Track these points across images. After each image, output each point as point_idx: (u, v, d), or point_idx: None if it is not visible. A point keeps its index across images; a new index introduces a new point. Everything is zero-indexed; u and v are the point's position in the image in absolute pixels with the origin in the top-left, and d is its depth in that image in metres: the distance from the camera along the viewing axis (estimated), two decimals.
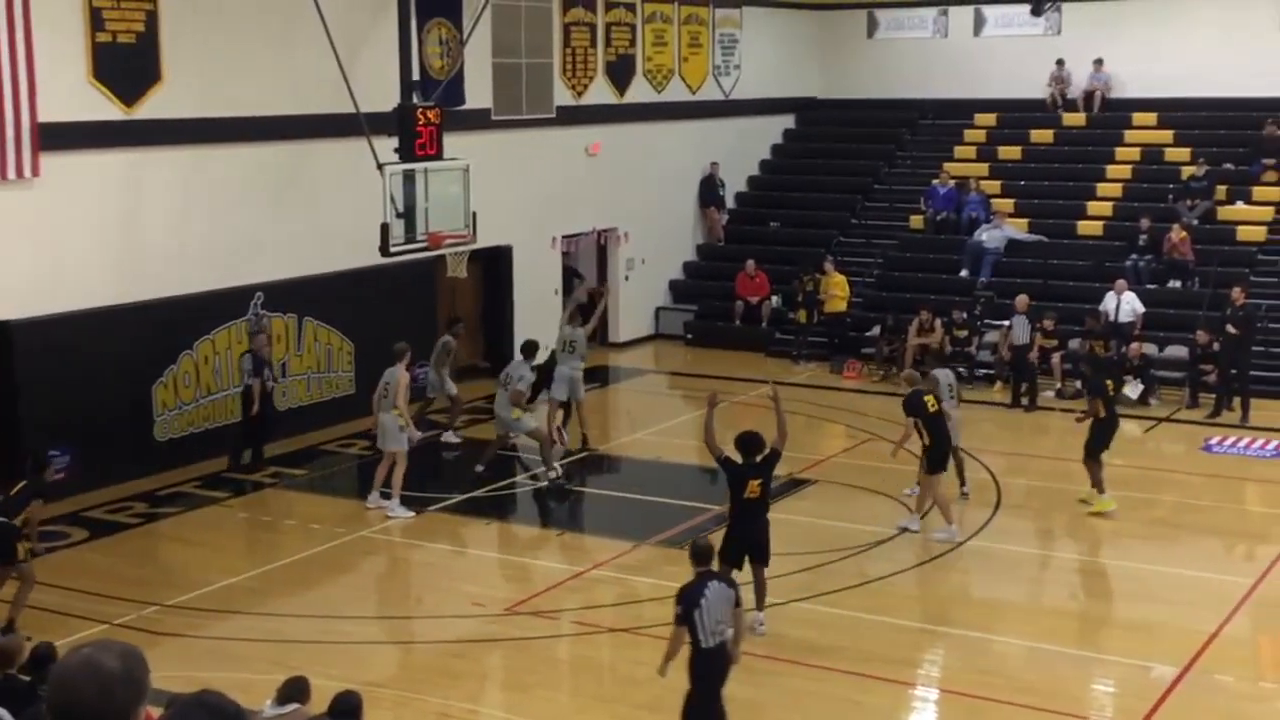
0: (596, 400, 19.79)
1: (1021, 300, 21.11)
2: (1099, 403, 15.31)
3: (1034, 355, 20.75)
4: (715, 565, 9.99)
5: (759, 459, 11.87)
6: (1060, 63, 27.22)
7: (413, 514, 15.53)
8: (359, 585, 14.10)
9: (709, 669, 9.19)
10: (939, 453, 14.66)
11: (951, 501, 15.11)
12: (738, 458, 11.88)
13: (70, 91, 15.87)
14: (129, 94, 16.57)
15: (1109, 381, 15.70)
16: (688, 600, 9.14)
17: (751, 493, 11.78)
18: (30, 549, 12.37)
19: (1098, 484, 15.37)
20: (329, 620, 12.49)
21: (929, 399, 14.77)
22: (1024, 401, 20.48)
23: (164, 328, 17.08)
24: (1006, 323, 21.91)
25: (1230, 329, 19.84)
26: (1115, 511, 15.24)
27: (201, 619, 12.68)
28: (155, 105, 16.82)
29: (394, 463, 15.59)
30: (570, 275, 24.46)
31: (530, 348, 17.28)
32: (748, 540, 11.86)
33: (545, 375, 18.42)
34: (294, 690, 8.34)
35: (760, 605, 12.00)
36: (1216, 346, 20.06)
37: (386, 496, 15.64)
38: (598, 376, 22.24)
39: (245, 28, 17.71)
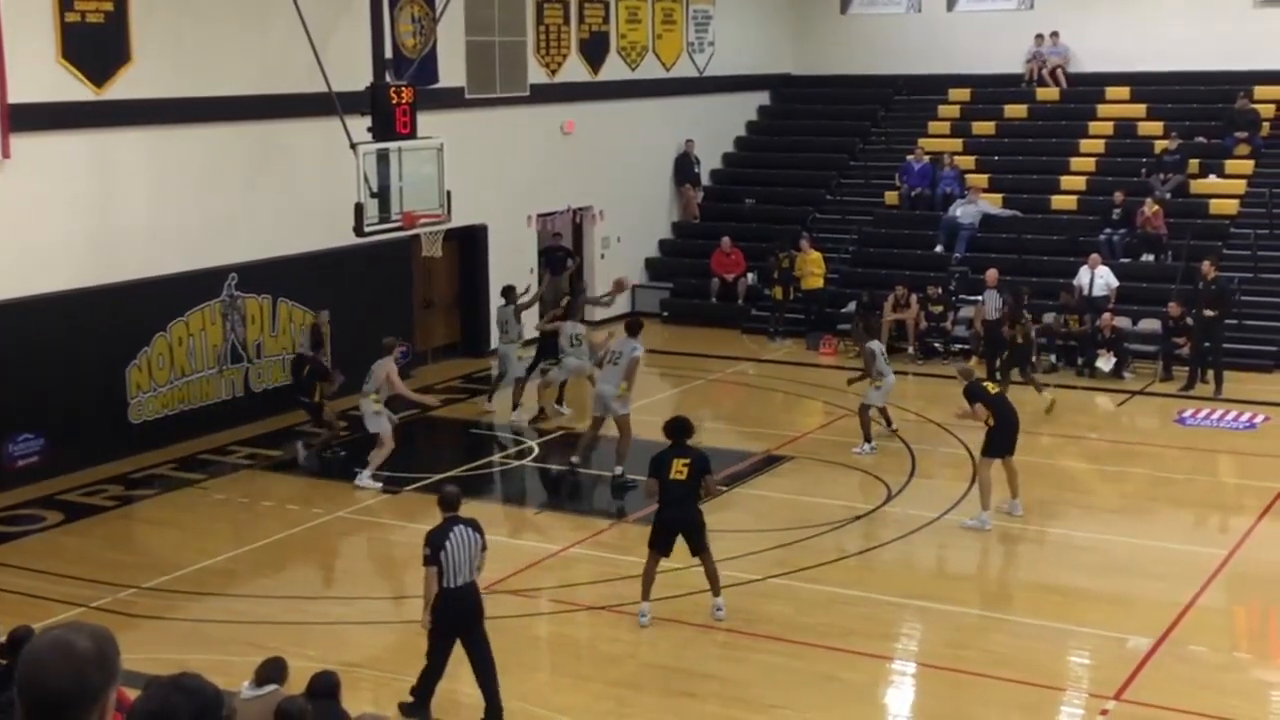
0: (571, 378, 19.74)
1: (992, 274, 21.12)
2: (980, 407, 14.69)
3: (1006, 329, 20.72)
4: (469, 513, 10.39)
5: (688, 442, 11.71)
6: (1039, 38, 27.25)
7: (379, 486, 15.70)
8: (336, 566, 14.09)
9: (453, 607, 9.82)
10: (1001, 437, 14.42)
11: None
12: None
13: (39, 72, 15.73)
14: (99, 74, 16.44)
15: (987, 383, 15.25)
16: (434, 543, 9.80)
17: (678, 474, 11.53)
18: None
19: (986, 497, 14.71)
20: (306, 601, 12.48)
21: (989, 384, 14.74)
22: (997, 375, 20.48)
23: (137, 310, 16.99)
24: (980, 297, 21.97)
25: (1207, 312, 19.90)
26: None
27: (178, 601, 12.65)
28: (125, 85, 16.69)
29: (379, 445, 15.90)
30: (563, 255, 24.37)
31: (636, 326, 16.71)
32: (676, 525, 11.65)
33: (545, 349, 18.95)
34: (271, 671, 8.33)
35: (716, 591, 11.84)
36: (1189, 320, 20.16)
37: (377, 478, 15.86)
38: None
39: (216, 7, 17.58)
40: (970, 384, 14.99)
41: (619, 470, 15.89)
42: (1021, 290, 19.97)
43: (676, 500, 11.60)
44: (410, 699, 10.09)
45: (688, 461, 11.58)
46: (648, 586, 11.77)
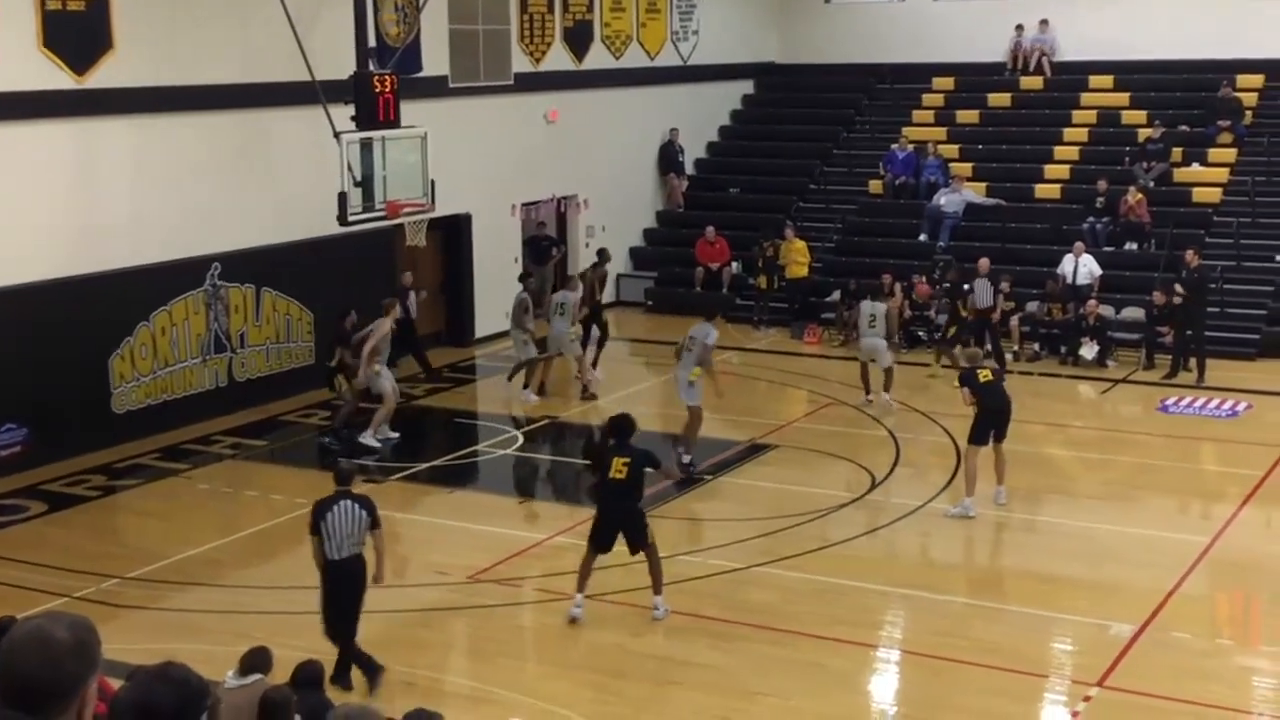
0: (558, 367, 19.77)
1: (983, 263, 21.19)
2: (967, 392, 14.68)
3: (996, 316, 20.82)
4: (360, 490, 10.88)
5: (629, 441, 11.65)
6: (1020, 28, 27.27)
7: (379, 445, 16.65)
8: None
9: (334, 579, 10.27)
10: (984, 424, 14.42)
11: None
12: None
13: (20, 60, 15.65)
14: (80, 62, 16.36)
15: (981, 370, 14.97)
16: (317, 513, 10.29)
17: (617, 472, 11.47)
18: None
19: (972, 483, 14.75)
20: (291, 591, 12.45)
21: (982, 373, 14.72)
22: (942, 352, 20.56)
23: (120, 299, 16.93)
24: (966, 285, 22.00)
25: (1178, 289, 20.00)
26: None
27: (162, 591, 12.63)
28: (107, 74, 16.61)
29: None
30: (548, 244, 24.41)
31: (713, 310, 16.67)
32: (615, 522, 11.56)
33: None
34: (256, 661, 8.32)
35: (656, 589, 11.66)
36: (1175, 306, 20.21)
37: (381, 436, 16.95)
38: None
39: None
40: (965, 371, 14.94)
41: (687, 459, 15.67)
42: (957, 265, 21.09)
43: (616, 498, 11.53)
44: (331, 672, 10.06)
45: (627, 461, 11.48)
46: (583, 580, 11.67)
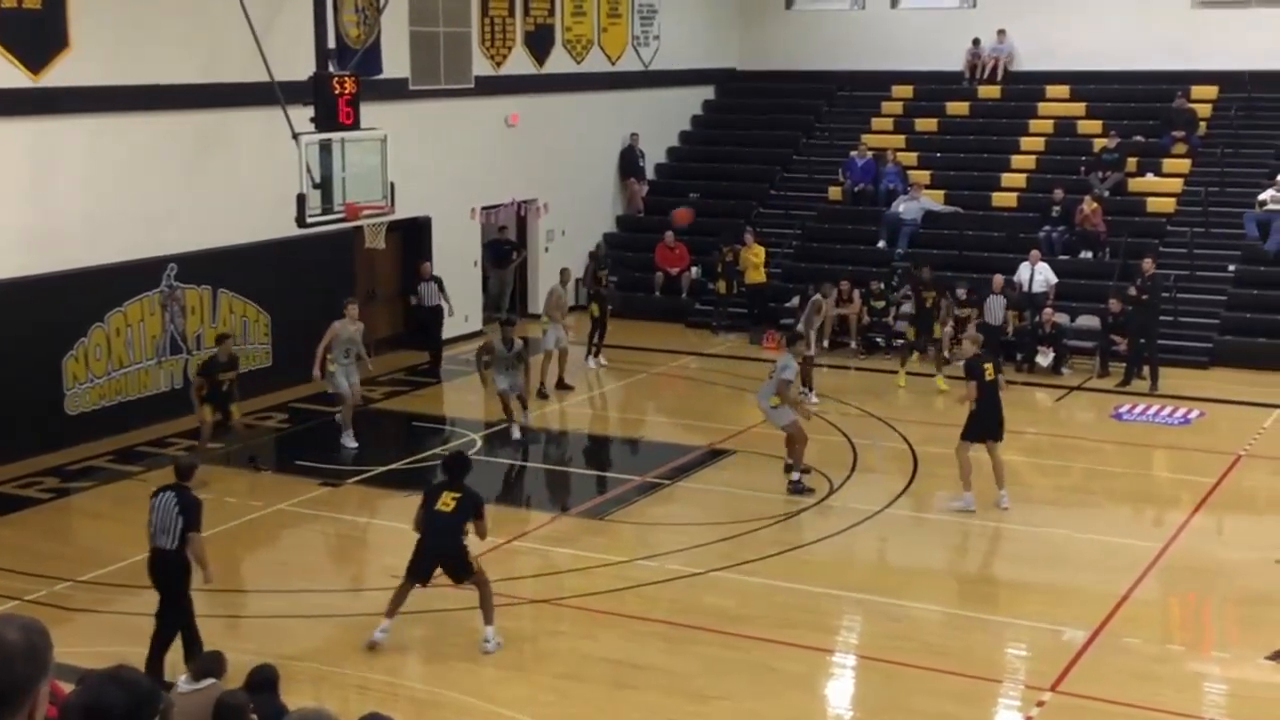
0: (551, 363, 19.76)
1: (997, 280, 21.01)
2: (974, 386, 14.71)
3: (1010, 334, 20.76)
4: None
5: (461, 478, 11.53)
6: (977, 41, 27.48)
7: (355, 446, 16.82)
8: (275, 559, 13.98)
9: (154, 568, 10.61)
10: (979, 421, 14.51)
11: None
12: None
13: None
14: (35, 61, 16.21)
15: (987, 365, 14.99)
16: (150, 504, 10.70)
17: (444, 505, 11.26)
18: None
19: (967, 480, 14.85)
20: (245, 594, 12.39)
21: (988, 367, 14.80)
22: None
23: (74, 300, 16.78)
24: (958, 297, 22.12)
25: (1132, 292, 20.21)
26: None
27: (114, 594, 12.52)
28: (63, 72, 16.47)
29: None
30: (508, 248, 24.40)
31: (794, 338, 16.47)
32: (436, 555, 11.31)
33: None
34: (209, 665, 8.28)
35: (487, 620, 11.33)
36: (1127, 315, 20.39)
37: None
38: None
39: None
40: (971, 359, 14.95)
41: (795, 477, 15.38)
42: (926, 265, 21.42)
43: (439, 531, 11.26)
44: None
45: (457, 496, 11.31)
46: (394, 606, 11.36)
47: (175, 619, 10.53)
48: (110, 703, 3.13)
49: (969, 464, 14.56)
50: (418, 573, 11.36)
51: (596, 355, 21.22)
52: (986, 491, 14.72)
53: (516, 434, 17.44)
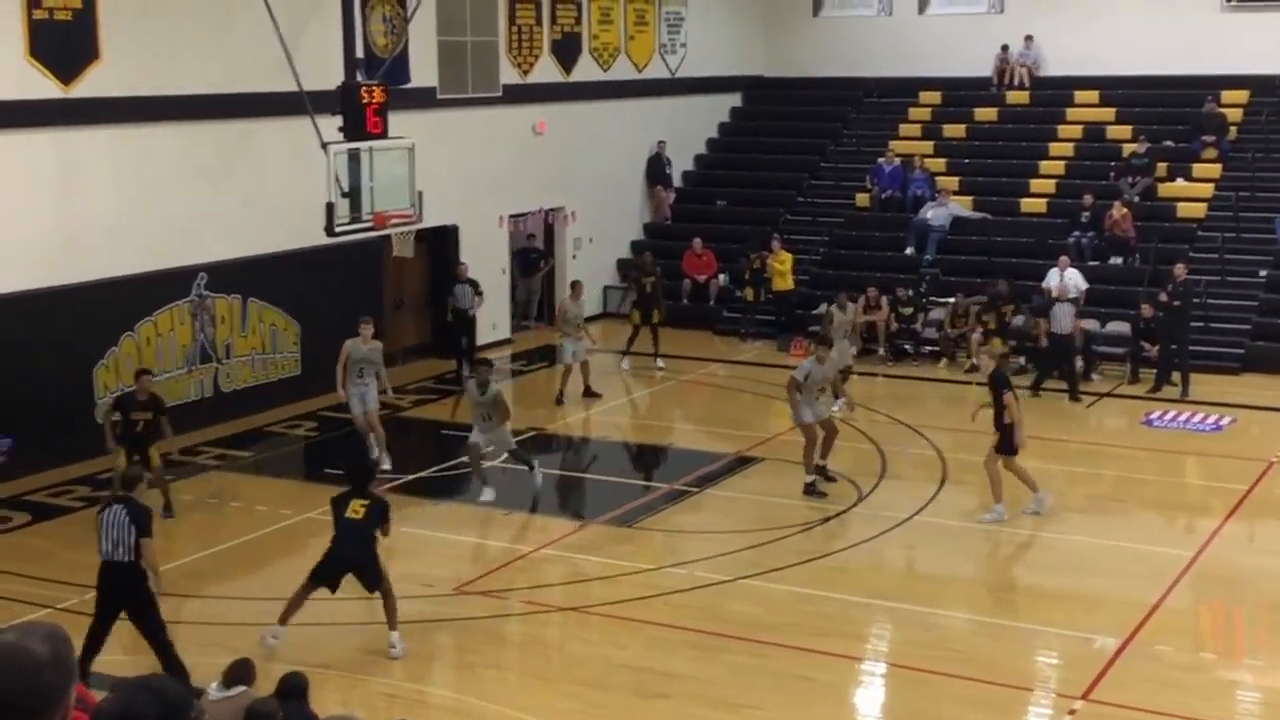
0: (544, 379, 19.80)
1: (1061, 286, 20.84)
2: (1010, 396, 14.53)
3: (1078, 341, 20.37)
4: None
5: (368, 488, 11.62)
6: (1006, 48, 27.39)
7: (388, 468, 16.22)
8: (305, 567, 13.97)
9: (107, 580, 10.60)
10: (1014, 435, 14.32)
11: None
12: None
13: (6, 69, 15.64)
14: (66, 72, 16.34)
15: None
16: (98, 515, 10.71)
17: (354, 512, 11.32)
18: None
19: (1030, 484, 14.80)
20: (275, 602, 12.40)
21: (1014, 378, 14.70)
22: (1069, 390, 19.76)
23: (105, 309, 16.90)
24: (951, 299, 22.10)
25: (1163, 298, 20.08)
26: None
27: None
28: (94, 83, 16.59)
29: None
30: (536, 256, 24.47)
31: (819, 340, 16.54)
32: (345, 562, 11.31)
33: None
34: (240, 673, 8.31)
35: (391, 625, 11.35)
36: (1158, 320, 20.25)
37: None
38: (545, 355, 22.24)
39: (185, 4, 17.50)
40: (998, 371, 14.74)
41: (808, 479, 15.47)
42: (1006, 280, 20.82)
43: (349, 538, 11.29)
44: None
45: (366, 503, 11.37)
46: (291, 612, 11.33)
47: (151, 627, 10.56)
48: (142, 710, 3.14)
49: (999, 473, 14.45)
50: (323, 578, 11.38)
51: (653, 358, 21.42)
52: (1016, 501, 14.65)
53: (487, 495, 15.34)
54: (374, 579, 11.34)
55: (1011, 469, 14.57)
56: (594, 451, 18.48)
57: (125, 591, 10.58)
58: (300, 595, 11.39)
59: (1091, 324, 21.42)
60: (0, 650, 2.88)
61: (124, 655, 10.66)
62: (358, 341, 16.49)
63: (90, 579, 12.82)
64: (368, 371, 16.47)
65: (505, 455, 15.89)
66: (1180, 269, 20.47)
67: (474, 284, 20.94)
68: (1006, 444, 14.44)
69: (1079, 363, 20.54)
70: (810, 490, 15.34)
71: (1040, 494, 14.65)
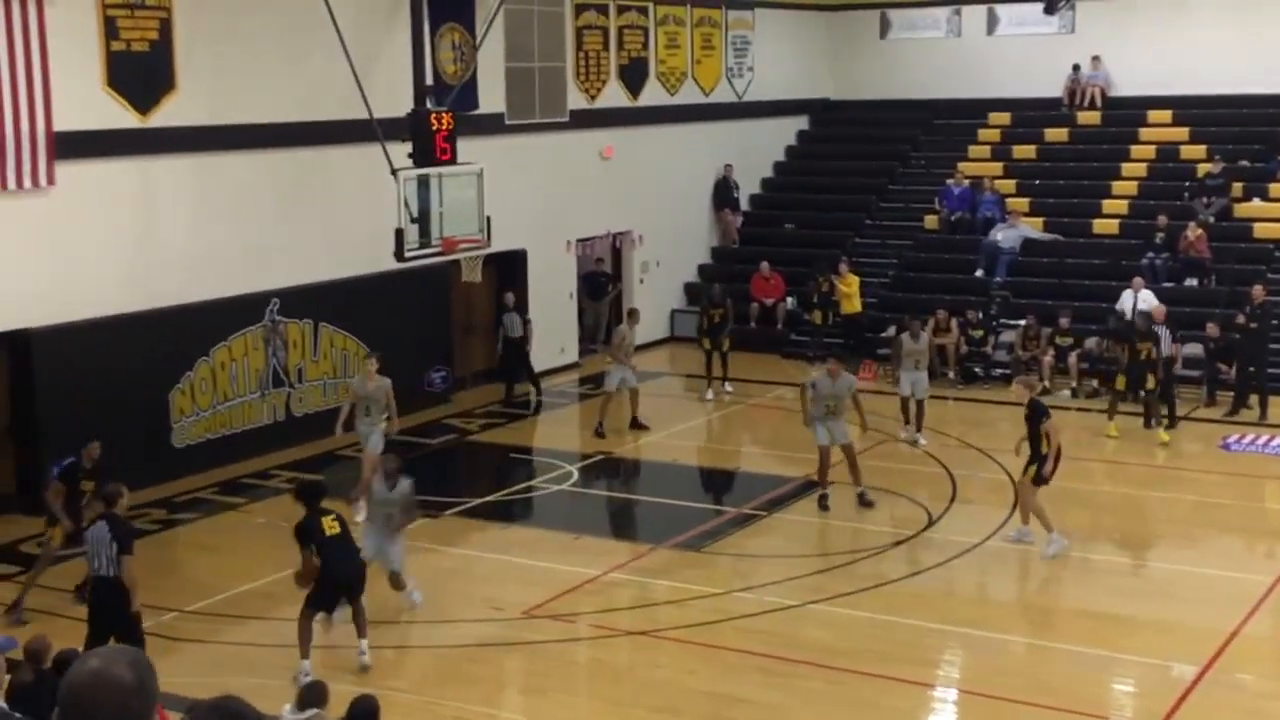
0: (613, 404, 19.78)
1: (1160, 310, 20.23)
2: (1051, 424, 14.29)
3: (1179, 368, 19.66)
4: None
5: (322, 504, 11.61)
6: (1076, 68, 27.17)
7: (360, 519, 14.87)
8: (376, 590, 14.09)
9: (95, 595, 10.98)
10: (1054, 464, 14.14)
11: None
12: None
13: (85, 100, 15.93)
14: (143, 102, 16.63)
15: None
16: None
17: (331, 529, 11.32)
18: (55, 534, 12.98)
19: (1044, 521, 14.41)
20: (347, 625, 12.48)
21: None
22: (1164, 416, 19.08)
23: (180, 334, 17.14)
24: (1022, 322, 21.89)
25: (1240, 319, 19.74)
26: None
27: (220, 625, 12.72)
28: (169, 113, 16.88)
29: None
30: (605, 280, 24.57)
31: (834, 353, 16.83)
32: (344, 580, 11.38)
33: None
34: (313, 696, 8.37)
35: (364, 634, 11.46)
36: (1234, 342, 19.91)
37: None
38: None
39: (259, 35, 17.76)
40: (1036, 401, 14.51)
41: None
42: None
43: (339, 556, 11.28)
44: None
45: (334, 518, 11.42)
46: (305, 643, 11.25)
47: (127, 643, 10.65)
48: None
49: (1042, 505, 14.18)
50: (323, 604, 11.48)
51: (721, 383, 21.51)
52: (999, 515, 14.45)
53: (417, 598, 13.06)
54: (362, 587, 11.54)
55: (1031, 500, 14.21)
56: (661, 475, 18.45)
57: (106, 609, 10.87)
58: (305, 625, 11.30)
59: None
60: (88, 676, 2.92)
61: (197, 677, 10.75)
62: (361, 380, 15.89)
63: (165, 601, 13.04)
64: (374, 410, 15.59)
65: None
66: (1259, 290, 20.15)
67: (521, 312, 21.08)
68: (1040, 473, 14.14)
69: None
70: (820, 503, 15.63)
71: (1056, 534, 14.10)
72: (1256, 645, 12.09)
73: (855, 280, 23.63)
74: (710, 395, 21.31)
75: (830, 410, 15.70)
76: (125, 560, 10.87)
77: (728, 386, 21.49)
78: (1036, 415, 14.30)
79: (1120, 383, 19.18)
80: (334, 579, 11.29)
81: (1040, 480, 14.20)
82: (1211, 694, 10.95)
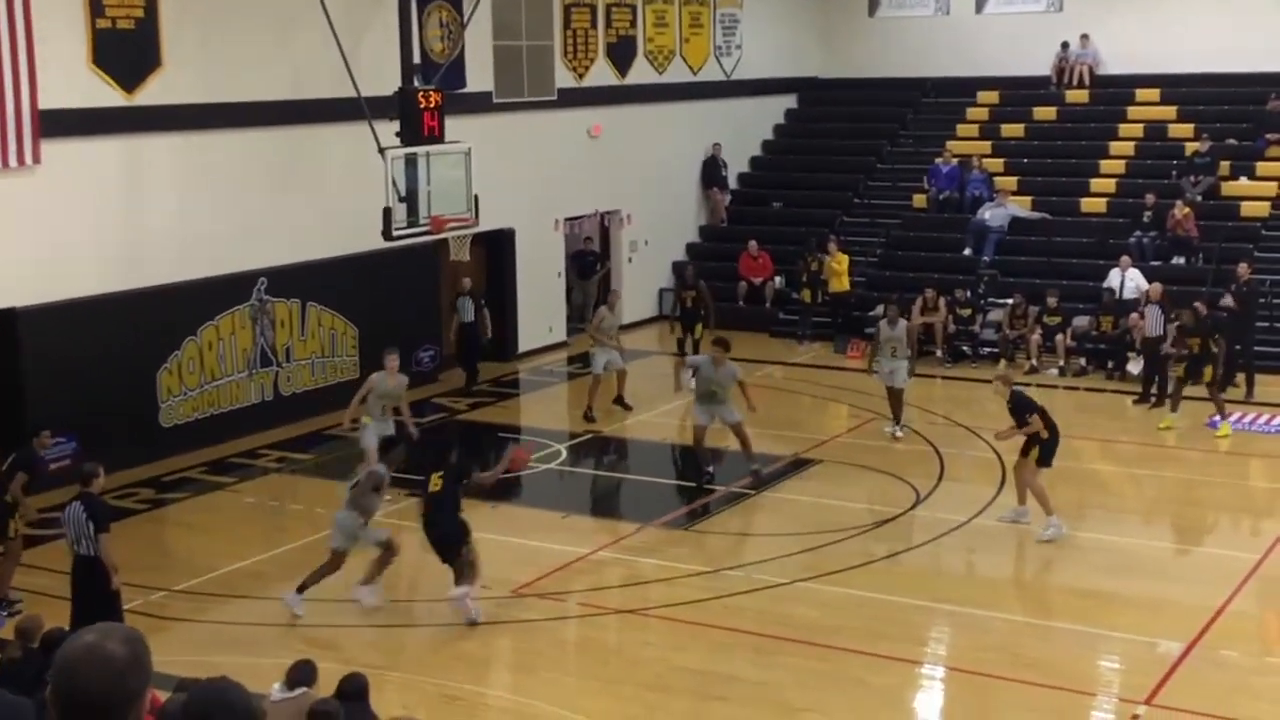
0: (600, 386, 19.77)
1: (1155, 288, 20.17)
2: (1036, 418, 14.17)
3: (1168, 346, 19.47)
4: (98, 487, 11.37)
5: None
6: (1065, 45, 27.15)
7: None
8: (364, 569, 14.10)
9: (74, 574, 11.09)
10: (1053, 447, 14.11)
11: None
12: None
13: (71, 78, 15.85)
14: (129, 80, 16.55)
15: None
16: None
17: (434, 486, 12.06)
18: (19, 525, 12.56)
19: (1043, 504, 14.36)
20: (335, 604, 12.51)
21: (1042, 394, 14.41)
22: (1153, 395, 19.28)
23: (168, 314, 17.09)
24: (1010, 300, 21.92)
25: (1227, 300, 19.78)
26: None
27: (208, 604, 12.72)
28: (156, 91, 16.80)
29: None
30: (592, 259, 24.53)
31: (722, 341, 16.69)
32: (430, 532, 12.07)
33: None
34: (301, 674, 8.38)
35: (459, 582, 12.03)
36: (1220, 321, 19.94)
37: None
38: None
39: (245, 12, 17.67)
40: (1018, 394, 14.41)
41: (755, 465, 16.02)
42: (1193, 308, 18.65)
43: (433, 510, 12.07)
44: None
45: (441, 474, 12.03)
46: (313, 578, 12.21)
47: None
48: (213, 711, 3.19)
49: (1044, 487, 14.16)
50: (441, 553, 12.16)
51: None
52: (1006, 505, 14.49)
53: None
54: (450, 556, 11.95)
55: (1034, 481, 14.17)
56: (650, 454, 18.46)
57: (89, 584, 10.97)
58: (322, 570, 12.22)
59: None
60: (81, 651, 2.92)
61: (185, 656, 10.76)
62: (384, 375, 15.46)
63: (154, 580, 13.05)
64: (389, 408, 15.42)
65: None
66: (1244, 268, 20.20)
67: (476, 298, 20.62)
68: (1047, 456, 14.10)
69: (1138, 365, 20.32)
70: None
71: (1055, 518, 14.05)
72: (1242, 622, 12.16)
73: (845, 259, 23.62)
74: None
75: (713, 394, 15.87)
76: (103, 539, 10.93)
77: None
78: (1020, 410, 14.19)
79: (1179, 371, 18.50)
80: (426, 532, 12.20)
81: (1044, 462, 14.13)
82: (1198, 670, 11.01)
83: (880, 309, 21.75)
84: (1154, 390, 19.30)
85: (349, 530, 12.38)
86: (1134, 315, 20.67)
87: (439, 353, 20.97)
